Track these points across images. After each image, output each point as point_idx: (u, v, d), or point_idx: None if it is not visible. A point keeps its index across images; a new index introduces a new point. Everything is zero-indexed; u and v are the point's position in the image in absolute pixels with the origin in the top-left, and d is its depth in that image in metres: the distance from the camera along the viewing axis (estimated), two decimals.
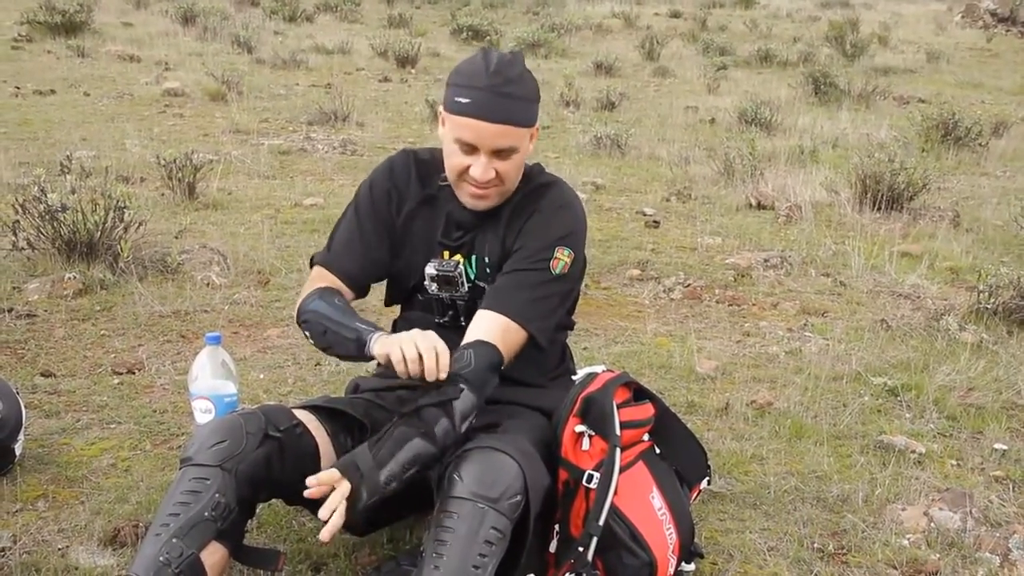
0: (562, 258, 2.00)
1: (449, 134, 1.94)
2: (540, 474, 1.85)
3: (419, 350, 1.78)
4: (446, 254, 2.09)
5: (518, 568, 1.77)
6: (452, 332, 2.04)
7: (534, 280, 1.99)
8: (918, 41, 18.05)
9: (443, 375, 1.79)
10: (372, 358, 1.88)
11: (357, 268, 2.11)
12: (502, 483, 1.73)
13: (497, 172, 1.94)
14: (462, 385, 1.83)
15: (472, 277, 2.09)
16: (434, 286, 2.09)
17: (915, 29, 20.49)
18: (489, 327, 1.94)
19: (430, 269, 2.07)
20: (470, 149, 1.92)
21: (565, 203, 2.07)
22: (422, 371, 1.78)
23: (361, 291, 2.15)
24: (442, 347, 1.81)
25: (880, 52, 16.16)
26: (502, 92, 1.89)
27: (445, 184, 2.07)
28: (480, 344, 1.91)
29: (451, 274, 2.05)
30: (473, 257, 2.08)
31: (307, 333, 2.00)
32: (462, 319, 2.09)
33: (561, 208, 2.05)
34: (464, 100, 1.89)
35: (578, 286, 2.17)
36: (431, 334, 1.83)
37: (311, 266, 2.17)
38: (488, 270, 2.07)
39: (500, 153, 1.92)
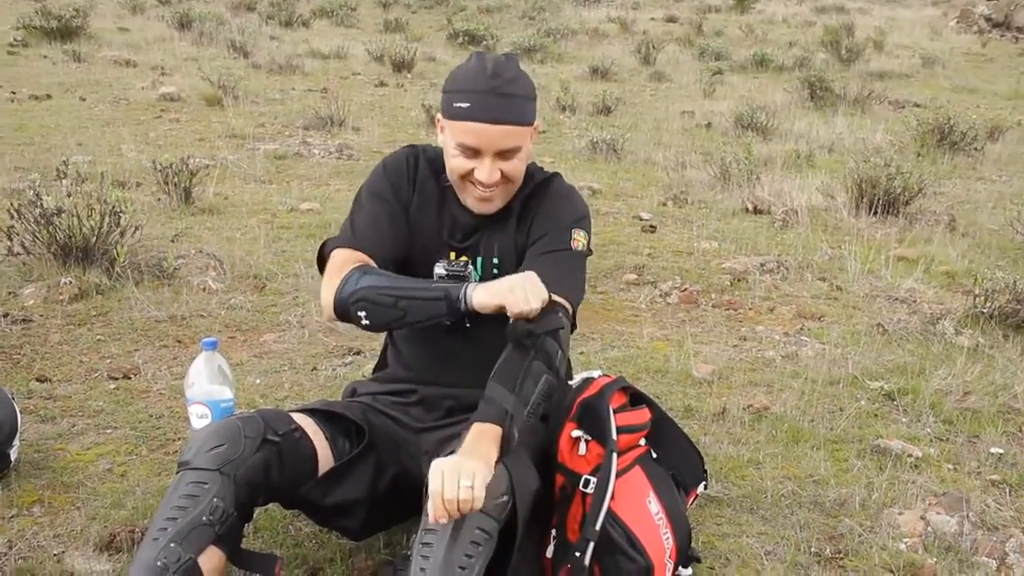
0: (580, 239, 2.04)
1: (451, 140, 1.94)
2: (528, 476, 1.84)
3: (528, 297, 1.82)
4: (452, 255, 2.08)
5: (509, 569, 1.77)
6: (456, 333, 2.02)
7: (563, 259, 2.01)
8: (913, 46, 18.07)
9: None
10: (465, 313, 1.86)
11: (387, 247, 2.03)
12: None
13: (503, 172, 1.95)
14: (559, 312, 1.90)
15: (476, 279, 2.08)
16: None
17: (910, 34, 20.52)
18: None
19: (439, 270, 2.05)
20: (473, 153, 1.92)
21: (569, 191, 2.11)
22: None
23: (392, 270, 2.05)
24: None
25: (875, 57, 16.18)
26: (502, 93, 1.89)
27: (448, 184, 2.07)
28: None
29: (462, 273, 2.04)
30: (479, 259, 2.07)
31: (363, 313, 1.88)
32: (466, 320, 2.08)
33: (567, 196, 2.10)
34: (464, 105, 1.89)
35: None
36: (527, 280, 1.86)
37: (320, 255, 2.05)
38: (496, 271, 2.05)
39: (504, 154, 1.93)
